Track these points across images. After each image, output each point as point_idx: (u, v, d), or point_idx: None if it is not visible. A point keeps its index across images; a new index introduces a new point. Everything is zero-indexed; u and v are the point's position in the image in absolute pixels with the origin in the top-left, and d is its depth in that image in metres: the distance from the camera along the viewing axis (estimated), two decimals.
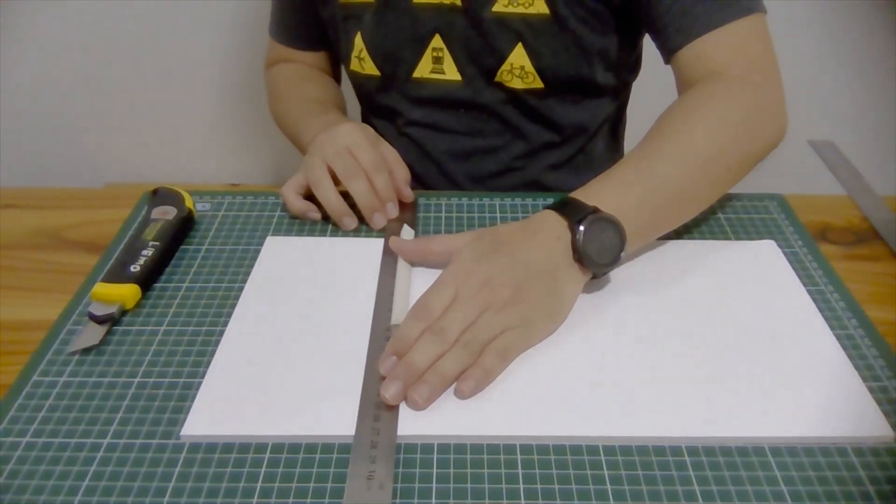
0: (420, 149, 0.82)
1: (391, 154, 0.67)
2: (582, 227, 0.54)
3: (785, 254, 0.62)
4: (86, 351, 0.52)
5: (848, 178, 0.73)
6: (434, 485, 0.43)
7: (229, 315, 0.55)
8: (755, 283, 0.58)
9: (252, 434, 0.46)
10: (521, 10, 0.71)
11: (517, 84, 0.75)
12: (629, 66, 0.82)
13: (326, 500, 0.42)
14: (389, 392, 0.47)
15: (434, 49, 0.75)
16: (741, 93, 0.63)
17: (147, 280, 0.58)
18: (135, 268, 0.57)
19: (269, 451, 0.45)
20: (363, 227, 0.66)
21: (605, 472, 0.44)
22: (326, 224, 0.66)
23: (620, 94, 0.84)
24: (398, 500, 0.42)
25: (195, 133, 1.39)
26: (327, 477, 0.44)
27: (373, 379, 0.49)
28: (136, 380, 0.50)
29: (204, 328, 0.55)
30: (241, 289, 0.58)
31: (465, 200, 0.69)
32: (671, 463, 0.45)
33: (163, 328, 0.55)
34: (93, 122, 1.37)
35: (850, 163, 0.74)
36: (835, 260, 0.62)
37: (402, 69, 0.77)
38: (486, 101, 0.78)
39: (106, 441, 0.46)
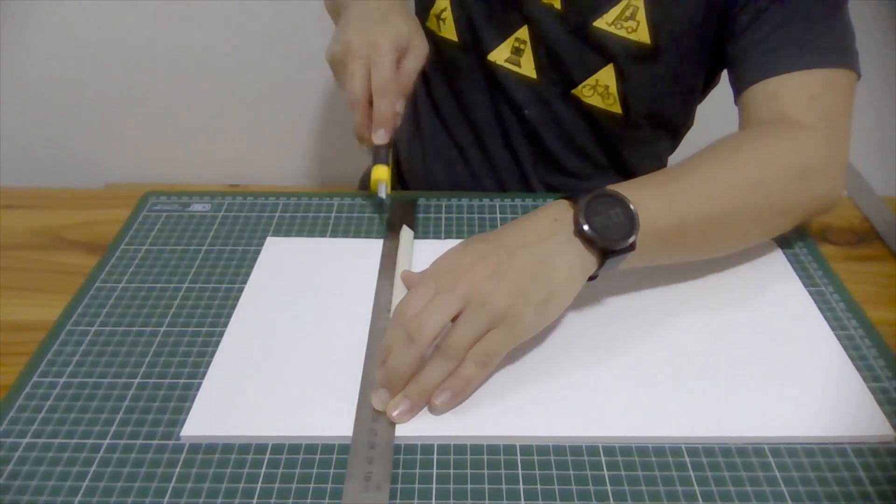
0: (477, 135, 0.79)
1: (410, 64, 0.65)
2: (585, 201, 0.50)
3: (785, 254, 0.62)
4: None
5: (848, 178, 0.73)
6: (434, 485, 0.43)
7: (229, 315, 0.55)
8: (755, 284, 0.58)
9: (252, 434, 0.46)
10: (623, 32, 0.68)
11: (596, 101, 0.72)
12: (693, 115, 0.80)
13: (326, 501, 0.42)
14: (376, 400, 0.47)
15: (517, 39, 0.72)
16: (804, 139, 0.59)
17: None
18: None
19: (269, 452, 0.45)
20: (363, 227, 0.66)
21: (605, 473, 0.44)
22: (326, 224, 0.66)
23: (677, 140, 0.82)
24: (398, 501, 0.43)
25: (195, 133, 1.39)
26: (327, 477, 0.44)
27: (370, 380, 0.49)
28: (136, 380, 0.50)
29: (204, 328, 0.55)
30: (241, 289, 0.58)
31: (465, 201, 0.69)
32: (671, 463, 0.45)
33: (163, 328, 0.55)
34: (93, 122, 1.37)
35: (850, 163, 0.74)
36: (835, 260, 0.62)
37: (481, 45, 0.74)
38: (555, 109, 0.75)
39: (106, 441, 0.46)
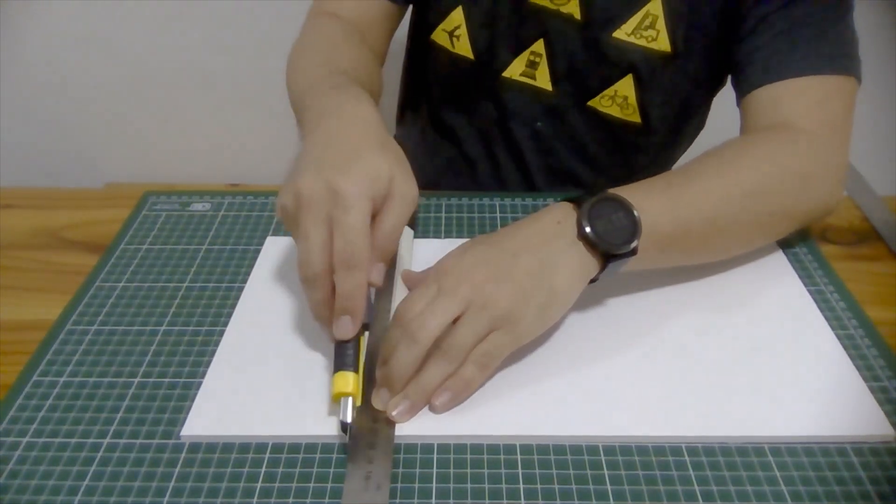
0: (486, 147, 0.79)
1: (391, 219, 0.49)
2: (588, 205, 0.50)
3: (785, 254, 0.62)
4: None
5: (848, 178, 0.73)
6: (434, 485, 0.43)
7: (229, 315, 0.55)
8: (756, 283, 0.58)
9: (252, 434, 0.46)
10: (643, 42, 0.67)
11: (615, 112, 0.72)
12: (706, 117, 0.80)
13: (326, 501, 0.42)
14: (376, 400, 0.47)
15: (532, 53, 0.71)
16: (806, 145, 0.58)
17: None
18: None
19: (269, 451, 0.45)
20: None
21: (605, 472, 0.44)
22: None
23: (689, 144, 0.83)
24: (398, 500, 0.42)
25: (195, 133, 1.39)
26: (327, 477, 0.44)
27: (370, 380, 0.49)
28: (136, 380, 0.50)
29: (204, 328, 0.55)
30: (241, 289, 0.58)
31: (465, 201, 0.69)
32: (671, 463, 0.45)
33: (163, 328, 0.55)
34: (93, 122, 1.37)
35: (850, 163, 0.74)
36: (835, 260, 0.62)
37: (496, 63, 0.73)
38: (569, 121, 0.74)
39: (106, 441, 0.46)
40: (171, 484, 0.43)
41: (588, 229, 0.49)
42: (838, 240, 0.65)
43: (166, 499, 0.43)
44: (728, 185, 0.55)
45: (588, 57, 0.70)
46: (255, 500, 0.42)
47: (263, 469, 0.44)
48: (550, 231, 0.50)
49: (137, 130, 1.38)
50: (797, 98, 0.61)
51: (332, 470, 0.44)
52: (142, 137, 1.39)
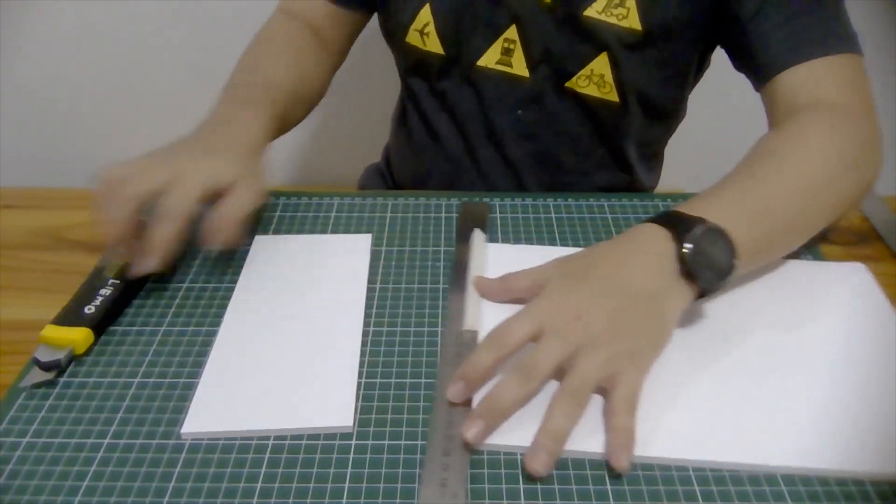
0: (466, 142, 0.79)
1: (225, 211, 0.55)
2: (690, 240, 0.50)
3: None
4: (36, 386, 0.49)
5: None
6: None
7: None
8: (838, 310, 0.56)
9: (252, 429, 0.46)
10: (613, 20, 0.67)
11: (592, 91, 0.72)
12: (686, 103, 0.81)
13: (326, 501, 0.42)
14: (471, 432, 0.45)
15: (507, 40, 0.72)
16: (848, 125, 0.61)
17: (102, 323, 0.53)
18: (89, 309, 0.53)
19: (269, 452, 0.45)
20: (363, 227, 0.65)
21: (605, 473, 0.44)
22: (326, 224, 0.66)
23: (671, 129, 0.83)
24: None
25: None
26: (327, 477, 0.44)
27: (445, 387, 0.47)
28: (136, 380, 0.50)
29: (204, 328, 0.55)
30: None
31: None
32: (672, 464, 0.45)
33: (163, 328, 0.55)
34: (93, 122, 1.37)
35: None
36: (835, 260, 0.62)
37: (469, 54, 0.74)
38: (549, 105, 0.74)
39: (106, 441, 0.46)
40: (172, 484, 0.43)
41: (692, 267, 0.50)
42: (838, 240, 0.65)
43: (166, 499, 0.43)
44: (801, 184, 0.56)
45: (562, 38, 0.70)
46: (255, 500, 0.43)
47: (263, 469, 0.44)
48: (654, 263, 0.50)
49: (137, 130, 1.38)
50: (825, 78, 0.62)
51: (331, 470, 0.44)
52: (142, 137, 1.39)
